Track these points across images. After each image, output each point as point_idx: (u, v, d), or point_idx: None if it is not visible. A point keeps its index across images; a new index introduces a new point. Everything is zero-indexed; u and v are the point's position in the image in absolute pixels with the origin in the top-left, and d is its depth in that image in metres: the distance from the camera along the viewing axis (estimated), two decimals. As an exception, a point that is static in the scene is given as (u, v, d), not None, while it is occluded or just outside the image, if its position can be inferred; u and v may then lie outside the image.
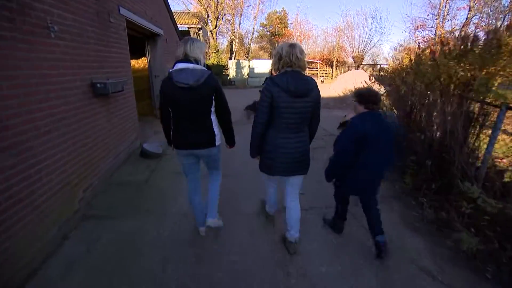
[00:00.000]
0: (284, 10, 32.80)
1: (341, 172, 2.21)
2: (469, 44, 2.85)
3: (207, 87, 1.96)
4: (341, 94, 11.03)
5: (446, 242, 2.60)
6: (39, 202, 2.26)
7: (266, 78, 2.06)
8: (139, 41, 6.81)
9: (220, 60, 15.75)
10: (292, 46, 1.93)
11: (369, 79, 6.18)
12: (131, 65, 7.92)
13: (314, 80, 2.00)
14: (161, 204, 3.18)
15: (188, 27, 16.34)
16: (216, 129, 2.18)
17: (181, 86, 1.90)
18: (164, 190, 3.51)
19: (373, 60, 25.51)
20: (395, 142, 2.15)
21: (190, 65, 1.94)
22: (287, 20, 31.85)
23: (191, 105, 1.98)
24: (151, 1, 6.09)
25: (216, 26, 15.97)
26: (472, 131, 3.14)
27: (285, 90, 1.87)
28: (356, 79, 11.34)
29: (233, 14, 18.19)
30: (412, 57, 3.99)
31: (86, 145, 3.11)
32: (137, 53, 7.75)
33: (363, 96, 2.08)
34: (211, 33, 16.08)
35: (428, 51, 3.62)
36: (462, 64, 2.90)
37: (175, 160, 4.53)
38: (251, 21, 22.32)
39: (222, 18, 16.98)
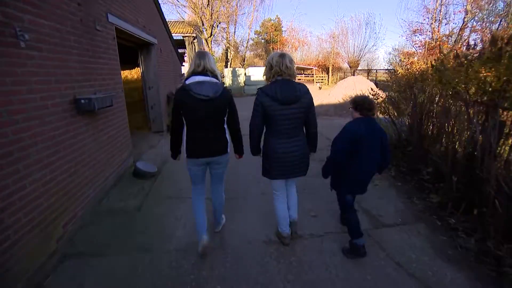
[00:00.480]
0: (278, 18, 32.85)
1: (336, 169, 2.37)
2: (503, 45, 2.49)
3: (223, 98, 2.10)
4: (341, 101, 10.72)
5: (492, 276, 2.20)
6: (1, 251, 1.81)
7: (258, 89, 2.15)
8: (132, 51, 6.42)
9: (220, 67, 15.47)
10: (282, 56, 2.08)
11: (376, 86, 5.79)
12: (124, 76, 7.54)
13: (305, 86, 2.11)
14: (156, 238, 2.73)
15: (183, 36, 16.05)
16: (228, 137, 2.31)
17: (200, 98, 2.00)
18: (160, 220, 3.07)
19: (367, 65, 25.47)
20: (387, 145, 2.30)
21: (207, 78, 2.06)
22: (281, 27, 31.87)
23: (208, 115, 2.09)
24: (144, 8, 5.73)
25: (211, 35, 15.72)
26: (505, 144, 2.78)
27: (275, 99, 2.01)
28: (356, 85, 11.07)
29: (228, 22, 17.99)
30: (433, 62, 3.64)
31: (67, 171, 2.67)
32: (130, 63, 7.36)
33: (358, 103, 2.22)
34: (206, 42, 15.81)
35: (452, 54, 3.27)
36: (493, 69, 2.55)
37: (170, 179, 4.10)
38: (246, 29, 22.41)
39: (217, 27, 16.74)
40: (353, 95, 7.84)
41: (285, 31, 28.55)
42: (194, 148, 2.20)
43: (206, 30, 15.75)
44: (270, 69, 2.11)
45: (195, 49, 16.21)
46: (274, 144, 2.17)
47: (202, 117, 2.09)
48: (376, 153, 2.25)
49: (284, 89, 2.02)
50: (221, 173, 2.46)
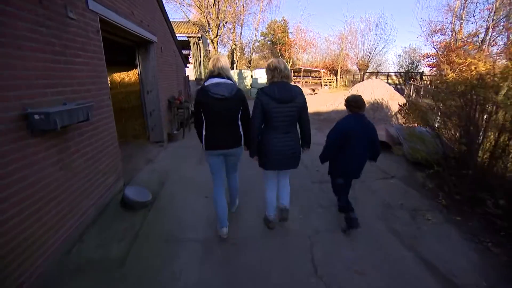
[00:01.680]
0: (285, 20, 31.93)
1: (330, 156, 2.70)
2: None
3: (237, 98, 2.35)
4: (358, 106, 9.75)
5: None
6: None
7: (258, 89, 2.32)
8: (131, 50, 5.55)
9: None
10: (279, 61, 2.34)
11: (416, 91, 4.81)
12: (120, 78, 6.67)
13: (299, 88, 2.34)
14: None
15: (188, 37, 15.22)
16: (242, 132, 2.50)
17: (217, 97, 2.25)
18: (151, 279, 2.16)
19: (377, 67, 24.45)
20: (375, 138, 2.60)
21: (222, 80, 2.32)
22: (288, 29, 30.90)
23: (224, 112, 2.33)
24: (142, 1, 4.86)
25: (217, 35, 14.85)
26: None
27: (273, 98, 2.24)
28: (374, 90, 10.11)
29: (234, 22, 17.11)
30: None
31: (21, 213, 1.78)
32: (129, 64, 6.51)
33: (350, 102, 2.58)
34: (212, 42, 14.95)
35: None
36: None
37: (168, 209, 3.19)
38: (252, 30, 21.39)
39: (224, 27, 15.88)
40: (372, 101, 7.63)
41: (291, 32, 27.56)
42: (212, 141, 2.42)
43: (212, 30, 14.90)
44: (268, 73, 2.35)
45: (200, 50, 15.37)
46: (271, 139, 2.37)
47: (219, 114, 2.31)
48: (366, 144, 2.55)
49: (282, 90, 2.25)
50: (236, 163, 2.73)
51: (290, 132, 2.39)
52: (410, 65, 23.42)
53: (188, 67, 10.08)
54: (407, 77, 22.84)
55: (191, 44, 15.31)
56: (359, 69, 23.74)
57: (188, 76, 9.75)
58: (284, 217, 2.74)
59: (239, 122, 2.48)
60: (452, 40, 10.92)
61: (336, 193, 2.89)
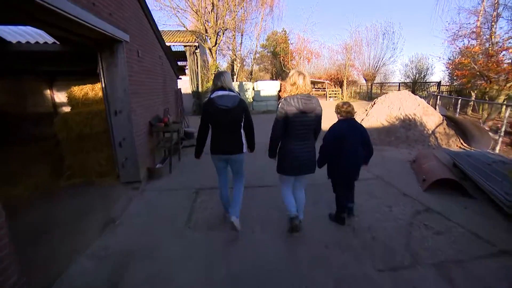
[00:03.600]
0: (285, 31, 30.67)
1: (326, 159, 2.84)
2: None
3: (239, 108, 2.57)
4: (386, 123, 8.01)
5: None
6: None
7: (282, 99, 2.43)
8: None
9: (221, 82, 12.96)
10: (302, 74, 2.45)
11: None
12: (83, 93, 4.87)
13: (317, 99, 2.44)
14: None
15: (184, 45, 13.62)
16: (244, 140, 2.73)
17: (222, 108, 2.49)
18: None
19: (384, 77, 22.96)
20: (367, 140, 2.83)
21: (226, 92, 2.55)
22: (289, 40, 29.55)
23: (228, 121, 2.56)
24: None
25: (216, 43, 13.22)
26: None
27: (296, 108, 2.35)
28: (402, 103, 8.37)
29: (235, 30, 15.55)
30: None
31: None
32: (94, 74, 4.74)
33: (339, 108, 2.85)
34: (210, 52, 13.30)
35: None
36: None
37: None
38: (253, 40, 19.79)
39: (223, 35, 14.28)
40: (402, 117, 7.35)
41: (292, 43, 26.06)
42: (216, 147, 2.69)
43: (210, 39, 13.28)
44: (292, 85, 2.44)
45: (197, 60, 13.73)
46: (291, 145, 2.46)
47: (223, 123, 2.56)
48: (359, 147, 2.77)
49: (304, 101, 2.36)
50: (240, 170, 2.84)
51: (308, 139, 2.49)
52: (417, 75, 21.91)
53: (181, 78, 8.33)
54: (414, 87, 21.33)
55: (187, 54, 13.68)
56: (366, 80, 22.19)
57: (180, 89, 7.98)
58: (295, 226, 2.61)
59: (242, 131, 2.72)
60: (489, 45, 9.27)
61: (335, 192, 3.00)
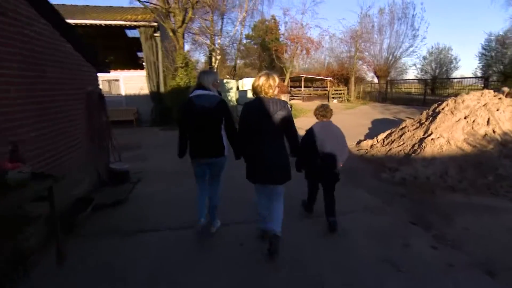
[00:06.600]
0: (274, 19, 27.71)
1: (303, 161, 3.00)
2: None
3: (218, 109, 2.61)
4: (469, 149, 5.03)
5: None
6: None
7: (244, 104, 2.56)
8: None
9: (191, 78, 9.56)
10: (265, 76, 2.47)
11: None
12: None
13: (282, 101, 2.47)
14: None
15: (137, 26, 10.20)
16: (225, 142, 2.73)
17: (199, 108, 2.55)
18: None
19: (399, 74, 20.41)
20: (343, 142, 3.10)
21: (205, 92, 2.62)
22: (279, 30, 26.54)
23: (206, 122, 2.61)
24: None
25: (183, 23, 9.92)
26: None
27: (254, 112, 2.44)
28: (493, 112, 5.42)
29: (212, 8, 12.28)
30: None
31: None
32: None
33: (316, 111, 3.13)
34: (175, 35, 9.99)
35: None
36: None
37: None
38: (237, 25, 16.47)
39: (193, 11, 10.93)
40: (497, 137, 5.05)
41: (286, 30, 22.84)
42: (195, 151, 2.72)
43: (174, 17, 9.99)
44: (252, 88, 2.53)
45: (156, 46, 10.34)
46: (255, 151, 2.50)
47: (201, 124, 2.61)
48: (334, 148, 2.98)
49: (263, 104, 2.41)
50: (218, 173, 2.86)
51: (274, 145, 2.50)
52: (437, 70, 19.46)
53: (109, 72, 4.99)
54: (434, 85, 18.93)
55: (142, 39, 10.27)
56: (378, 76, 19.49)
57: (99, 91, 4.54)
58: (273, 247, 2.50)
59: (222, 133, 2.72)
60: None
61: (309, 187, 3.34)
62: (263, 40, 25.80)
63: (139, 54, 13.86)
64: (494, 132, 5.09)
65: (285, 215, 2.72)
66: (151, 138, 8.53)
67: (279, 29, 25.51)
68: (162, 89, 10.88)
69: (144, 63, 10.89)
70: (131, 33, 13.12)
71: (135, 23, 9.91)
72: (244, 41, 29.45)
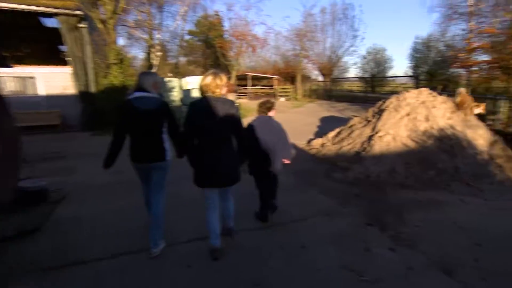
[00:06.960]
0: (218, 15, 27.10)
1: (246, 155, 2.75)
2: None
3: (159, 111, 2.54)
4: (412, 145, 5.25)
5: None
6: None
7: (189, 103, 2.48)
8: None
9: (126, 76, 8.56)
10: (210, 75, 2.40)
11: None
12: None
13: (230, 101, 2.43)
14: None
15: (56, 13, 8.79)
16: (167, 145, 2.65)
17: (139, 110, 2.46)
18: None
19: (342, 72, 21.56)
20: (283, 137, 3.08)
21: (145, 94, 2.53)
22: (222, 26, 26.02)
23: (146, 125, 2.53)
24: None
25: (114, 13, 8.85)
26: None
27: (201, 112, 2.35)
28: (431, 110, 5.75)
29: (149, 2, 11.28)
30: None
31: None
32: None
33: (259, 106, 3.17)
34: (105, 26, 8.87)
35: None
36: None
37: None
38: (178, 19, 15.43)
39: (129, 7, 9.90)
40: (436, 133, 5.29)
41: (227, 31, 22.37)
42: (134, 154, 2.60)
43: (104, 6, 8.86)
44: (200, 87, 2.43)
45: (82, 39, 9.06)
46: (202, 154, 2.41)
47: (141, 127, 2.53)
48: (274, 142, 2.98)
49: (210, 104, 2.33)
50: (160, 180, 2.69)
51: (222, 147, 2.44)
52: (375, 69, 21.08)
53: (10, 66, 4.02)
54: (373, 83, 20.43)
55: (64, 30, 8.89)
56: (323, 75, 20.30)
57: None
58: (233, 239, 2.77)
59: (164, 136, 2.63)
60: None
61: (258, 187, 3.20)
62: (207, 36, 25.03)
63: (62, 48, 12.13)
64: (432, 128, 5.42)
65: (239, 226, 2.80)
66: (80, 145, 7.37)
67: (223, 26, 25.04)
68: (93, 88, 9.60)
69: (68, 59, 9.47)
70: (49, 23, 11.40)
71: (52, 9, 8.49)
72: (188, 38, 28.34)
